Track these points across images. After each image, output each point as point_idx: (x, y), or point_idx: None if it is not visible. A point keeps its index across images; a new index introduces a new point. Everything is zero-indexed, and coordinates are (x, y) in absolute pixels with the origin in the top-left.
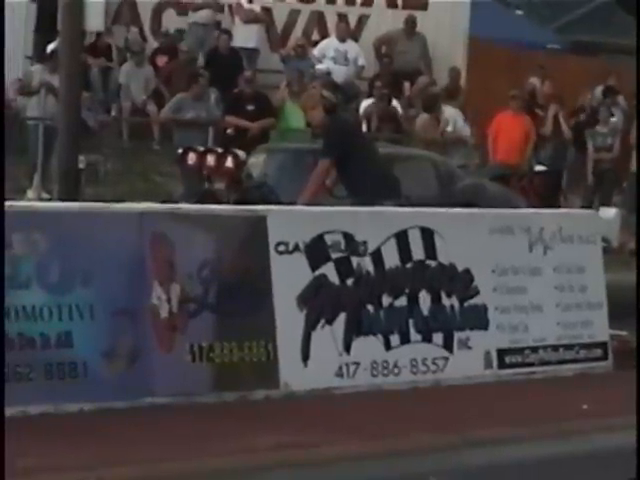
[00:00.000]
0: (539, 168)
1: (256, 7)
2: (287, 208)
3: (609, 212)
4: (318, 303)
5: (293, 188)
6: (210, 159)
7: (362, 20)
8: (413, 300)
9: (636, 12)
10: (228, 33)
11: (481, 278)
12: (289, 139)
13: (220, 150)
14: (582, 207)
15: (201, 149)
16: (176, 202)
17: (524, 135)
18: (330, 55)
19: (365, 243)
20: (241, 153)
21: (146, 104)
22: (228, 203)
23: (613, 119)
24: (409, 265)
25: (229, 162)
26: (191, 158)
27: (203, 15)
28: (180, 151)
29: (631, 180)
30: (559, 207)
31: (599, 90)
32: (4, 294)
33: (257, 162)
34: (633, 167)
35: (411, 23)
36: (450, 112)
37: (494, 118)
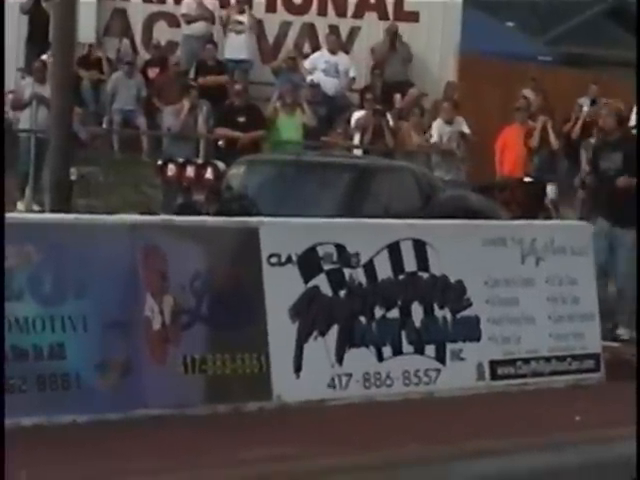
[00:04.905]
0: (525, 179)
1: (244, 18)
2: (279, 220)
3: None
4: (310, 315)
5: (274, 200)
6: (189, 170)
7: (353, 32)
8: (405, 312)
9: (628, 24)
10: (214, 44)
11: (473, 290)
12: (281, 151)
13: (200, 161)
14: (580, 219)
15: (180, 160)
16: (156, 213)
17: (530, 148)
18: (321, 67)
19: (357, 255)
20: (221, 164)
21: (136, 116)
22: (208, 214)
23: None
24: (401, 277)
25: (209, 173)
26: (170, 169)
27: (197, 27)
28: (160, 162)
29: None
30: (546, 218)
31: (586, 101)
32: (4, 306)
33: (237, 173)
34: None
35: (392, 34)
36: (437, 124)
37: (501, 131)
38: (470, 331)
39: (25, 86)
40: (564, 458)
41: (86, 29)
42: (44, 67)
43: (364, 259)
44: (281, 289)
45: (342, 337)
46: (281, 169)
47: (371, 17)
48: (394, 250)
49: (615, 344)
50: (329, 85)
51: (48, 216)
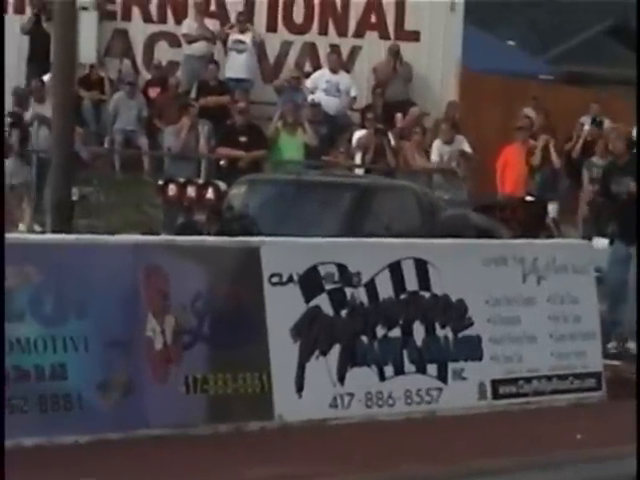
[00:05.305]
0: (526, 198)
1: (245, 37)
2: (281, 239)
3: (602, 242)
4: (312, 334)
5: (275, 220)
6: (190, 190)
7: (354, 51)
8: (407, 331)
9: (629, 42)
10: (216, 64)
11: (475, 309)
12: (282, 171)
13: (201, 181)
14: (582, 238)
15: (182, 180)
16: (157, 233)
17: (531, 166)
18: (322, 87)
19: (359, 274)
20: (222, 184)
21: (137, 136)
22: (209, 234)
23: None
24: (403, 296)
25: (210, 193)
26: (171, 189)
27: (198, 47)
28: (161, 182)
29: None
30: (548, 237)
31: (587, 120)
32: (4, 326)
33: (238, 193)
34: None
35: (394, 54)
36: (437, 143)
37: (502, 150)
38: (472, 350)
39: None
40: (565, 476)
41: (87, 49)
42: (42, 87)
43: (365, 278)
44: (282, 309)
45: (344, 356)
46: (282, 189)
47: (372, 36)
48: (395, 269)
49: (617, 362)
50: (330, 104)
51: (49, 236)
